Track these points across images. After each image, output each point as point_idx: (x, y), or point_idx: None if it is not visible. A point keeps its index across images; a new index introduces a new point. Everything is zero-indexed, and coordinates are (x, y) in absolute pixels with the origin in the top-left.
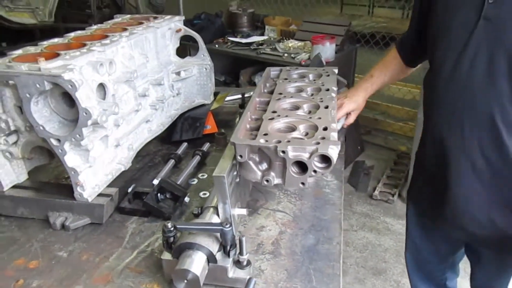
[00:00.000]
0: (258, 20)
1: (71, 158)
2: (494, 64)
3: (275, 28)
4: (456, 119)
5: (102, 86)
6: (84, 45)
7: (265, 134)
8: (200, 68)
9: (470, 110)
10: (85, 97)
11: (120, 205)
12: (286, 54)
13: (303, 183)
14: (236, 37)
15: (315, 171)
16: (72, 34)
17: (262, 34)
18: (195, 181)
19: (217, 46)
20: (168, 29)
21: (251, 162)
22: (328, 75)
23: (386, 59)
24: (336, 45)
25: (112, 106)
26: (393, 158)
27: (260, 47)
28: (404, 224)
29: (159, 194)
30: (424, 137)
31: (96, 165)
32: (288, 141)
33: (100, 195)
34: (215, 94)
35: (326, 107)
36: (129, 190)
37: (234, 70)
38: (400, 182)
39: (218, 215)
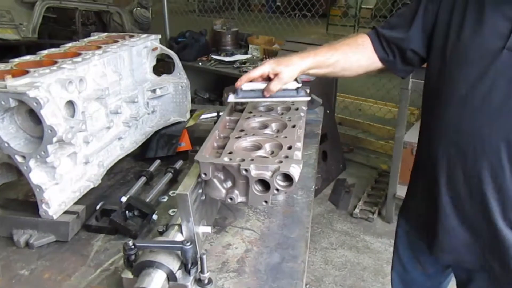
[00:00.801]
0: (242, 39)
1: (36, 175)
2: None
3: (259, 47)
4: (459, 148)
5: (71, 104)
6: (55, 62)
7: (230, 153)
8: (176, 86)
9: (478, 140)
10: (51, 115)
11: (87, 223)
12: None
13: (266, 201)
14: (220, 55)
15: (277, 190)
16: (45, 52)
17: (246, 53)
18: (166, 198)
19: (201, 63)
20: (144, 48)
21: (215, 180)
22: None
23: (339, 42)
24: None
25: (80, 124)
26: (374, 176)
27: (243, 65)
28: (383, 242)
29: (127, 212)
30: (418, 159)
31: (63, 182)
32: (252, 160)
33: (66, 212)
34: (192, 111)
35: (293, 126)
36: (97, 207)
37: (218, 87)
38: (380, 201)
39: (182, 233)
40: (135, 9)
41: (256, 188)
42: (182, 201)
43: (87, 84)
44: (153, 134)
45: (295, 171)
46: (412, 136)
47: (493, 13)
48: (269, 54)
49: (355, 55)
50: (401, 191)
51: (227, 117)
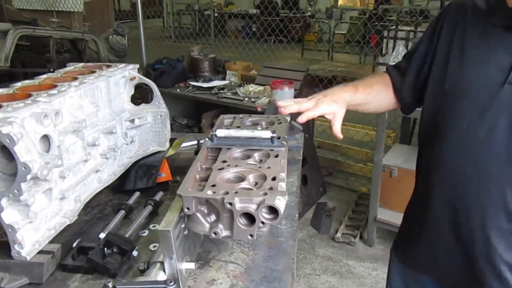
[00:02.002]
0: (220, 65)
1: (8, 215)
2: None
3: (236, 72)
4: (460, 188)
5: (47, 137)
6: (30, 95)
7: (213, 185)
8: (155, 115)
9: (480, 181)
10: (25, 151)
11: (63, 262)
12: (246, 99)
13: (251, 235)
14: (197, 81)
15: (263, 223)
16: (18, 84)
17: (224, 79)
18: (146, 232)
19: (178, 90)
20: (121, 77)
21: (199, 214)
22: (280, 123)
23: (372, 79)
24: (295, 89)
25: (55, 159)
26: (355, 199)
27: (221, 91)
28: (366, 266)
29: (105, 249)
30: (417, 198)
31: (38, 220)
32: (236, 192)
33: (40, 252)
34: (171, 140)
35: (276, 156)
36: (74, 245)
37: (196, 113)
38: (362, 224)
39: (164, 271)
40: (110, 36)
41: (241, 222)
42: (165, 237)
43: (63, 117)
44: (131, 165)
45: (281, 203)
46: (390, 159)
47: (495, 47)
48: (246, 79)
49: (385, 95)
50: (382, 214)
51: (208, 147)
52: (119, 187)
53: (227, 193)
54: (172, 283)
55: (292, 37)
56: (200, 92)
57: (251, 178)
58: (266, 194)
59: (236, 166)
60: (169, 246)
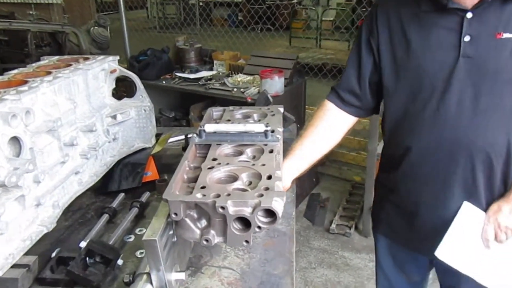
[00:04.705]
0: (206, 55)
1: None
2: (481, 98)
3: (224, 62)
4: (444, 161)
5: (17, 140)
6: None
7: (203, 187)
8: (138, 110)
9: (460, 149)
10: None
11: (40, 276)
12: (235, 89)
13: (247, 241)
14: (184, 72)
15: (259, 227)
16: None
17: (211, 69)
18: (132, 238)
19: (164, 82)
20: (101, 70)
21: (188, 220)
22: (274, 115)
23: (316, 123)
24: (285, 78)
25: (26, 164)
26: (348, 189)
27: (209, 82)
28: (363, 258)
29: (87, 259)
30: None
31: (10, 231)
32: (228, 195)
33: (15, 266)
34: (157, 136)
35: (271, 151)
36: (52, 255)
37: (183, 105)
38: (356, 214)
39: (152, 283)
40: (92, 28)
41: (235, 227)
42: (151, 247)
43: (35, 116)
44: (115, 163)
45: (278, 205)
46: None
47: (433, 29)
48: (234, 69)
49: (329, 130)
50: None
51: (197, 144)
52: (102, 188)
53: (218, 195)
54: None
55: (280, 24)
56: (187, 84)
57: (244, 177)
58: (261, 195)
59: (228, 164)
60: (156, 257)
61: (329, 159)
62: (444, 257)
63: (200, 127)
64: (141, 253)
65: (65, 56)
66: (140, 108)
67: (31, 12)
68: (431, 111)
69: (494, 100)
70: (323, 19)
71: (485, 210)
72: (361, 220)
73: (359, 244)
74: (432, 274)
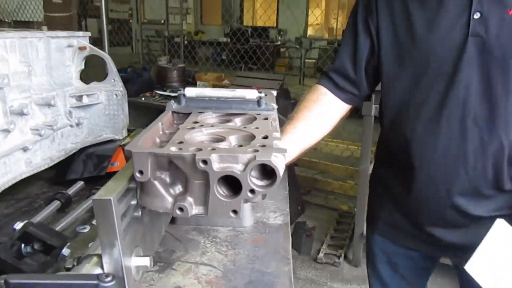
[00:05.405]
0: (189, 76)
1: None
2: (492, 81)
3: (207, 83)
4: (454, 146)
5: None
6: None
7: (180, 143)
8: (109, 95)
9: (471, 132)
10: None
11: None
12: None
13: (235, 211)
14: (165, 91)
15: (252, 191)
16: None
17: None
18: (87, 229)
19: (143, 99)
20: (67, 45)
21: (157, 183)
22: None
23: (307, 105)
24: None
25: None
26: (336, 218)
27: None
28: None
29: (23, 245)
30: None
31: None
32: (213, 149)
33: None
34: (130, 131)
35: (266, 118)
36: None
37: None
38: (345, 243)
39: (102, 266)
40: None
41: (220, 192)
42: (103, 211)
43: None
44: (77, 152)
45: (278, 161)
46: None
47: (440, 6)
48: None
49: (321, 116)
50: None
51: (175, 112)
52: (59, 176)
53: (200, 150)
54: (108, 278)
55: (263, 64)
56: (167, 101)
57: (232, 139)
58: (257, 151)
59: (212, 126)
60: (110, 227)
61: (314, 188)
62: (474, 272)
63: (180, 91)
64: None
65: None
66: (111, 92)
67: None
68: (438, 97)
69: (506, 82)
70: (306, 59)
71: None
72: (351, 249)
73: (349, 274)
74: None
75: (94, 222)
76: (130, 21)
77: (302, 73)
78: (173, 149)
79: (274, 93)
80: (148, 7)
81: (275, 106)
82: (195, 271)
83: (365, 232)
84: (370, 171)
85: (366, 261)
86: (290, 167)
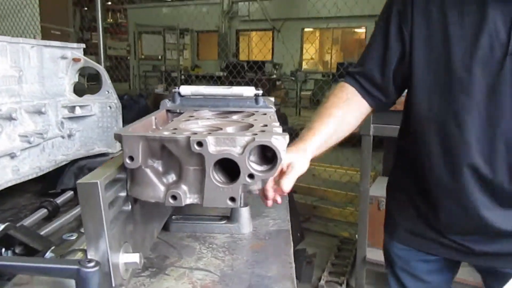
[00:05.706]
0: None
1: None
2: None
3: None
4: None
5: None
6: None
7: (174, 129)
8: (102, 107)
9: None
10: None
11: None
12: None
13: (232, 199)
14: None
15: (251, 176)
16: None
17: None
18: (74, 236)
19: None
20: (61, 56)
21: (148, 171)
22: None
23: (326, 108)
24: None
25: None
26: (336, 244)
27: None
28: None
29: (3, 249)
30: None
31: None
32: (209, 133)
33: None
34: None
35: (264, 114)
36: None
37: None
38: (347, 269)
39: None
40: None
41: (217, 178)
42: (89, 197)
43: None
44: (68, 164)
45: (279, 143)
46: (377, 190)
47: (481, 20)
48: None
49: (350, 114)
50: (372, 253)
51: (169, 110)
52: (48, 186)
53: (195, 134)
54: (91, 264)
55: None
56: None
57: (229, 130)
58: (256, 134)
59: (208, 119)
60: (96, 213)
61: (314, 215)
62: None
63: (175, 89)
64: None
65: None
66: (105, 104)
67: None
68: (474, 118)
69: None
70: (302, 90)
71: None
72: (353, 275)
73: None
74: None
75: (82, 230)
76: (128, 57)
77: (299, 105)
78: (166, 133)
79: (272, 99)
80: (146, 43)
81: (273, 107)
82: (189, 276)
83: (367, 255)
84: (370, 192)
85: (386, 269)
86: (288, 194)
